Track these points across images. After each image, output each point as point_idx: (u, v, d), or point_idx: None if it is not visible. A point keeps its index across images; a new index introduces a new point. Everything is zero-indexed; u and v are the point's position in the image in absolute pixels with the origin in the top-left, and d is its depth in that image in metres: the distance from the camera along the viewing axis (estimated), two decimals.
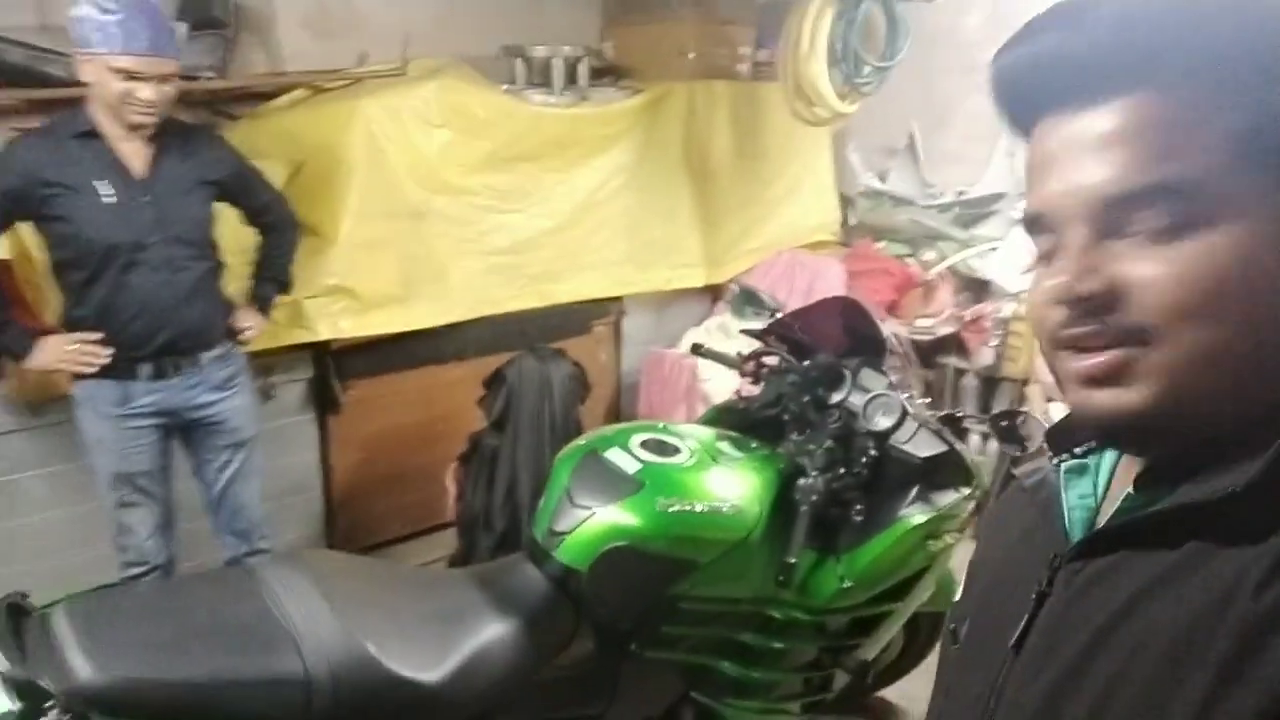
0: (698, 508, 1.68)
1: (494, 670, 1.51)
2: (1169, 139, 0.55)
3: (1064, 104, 0.59)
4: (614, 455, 1.76)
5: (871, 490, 1.98)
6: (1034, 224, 0.62)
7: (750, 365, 2.19)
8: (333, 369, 3.12)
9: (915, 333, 3.87)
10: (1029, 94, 0.62)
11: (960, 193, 4.21)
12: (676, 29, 3.80)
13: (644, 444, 1.80)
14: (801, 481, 1.85)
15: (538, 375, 3.01)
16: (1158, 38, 0.56)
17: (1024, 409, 2.06)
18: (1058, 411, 3.52)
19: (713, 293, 4.14)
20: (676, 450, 1.80)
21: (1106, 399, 0.58)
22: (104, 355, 2.24)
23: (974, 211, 4.18)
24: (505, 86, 3.39)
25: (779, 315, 2.25)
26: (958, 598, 0.79)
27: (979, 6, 4.02)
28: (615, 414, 3.85)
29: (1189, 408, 0.57)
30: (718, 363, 2.30)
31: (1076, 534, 0.65)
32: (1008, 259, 3.95)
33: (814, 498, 1.81)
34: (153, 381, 2.33)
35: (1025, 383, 3.75)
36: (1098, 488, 0.67)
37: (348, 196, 2.97)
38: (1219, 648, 0.51)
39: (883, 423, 2.01)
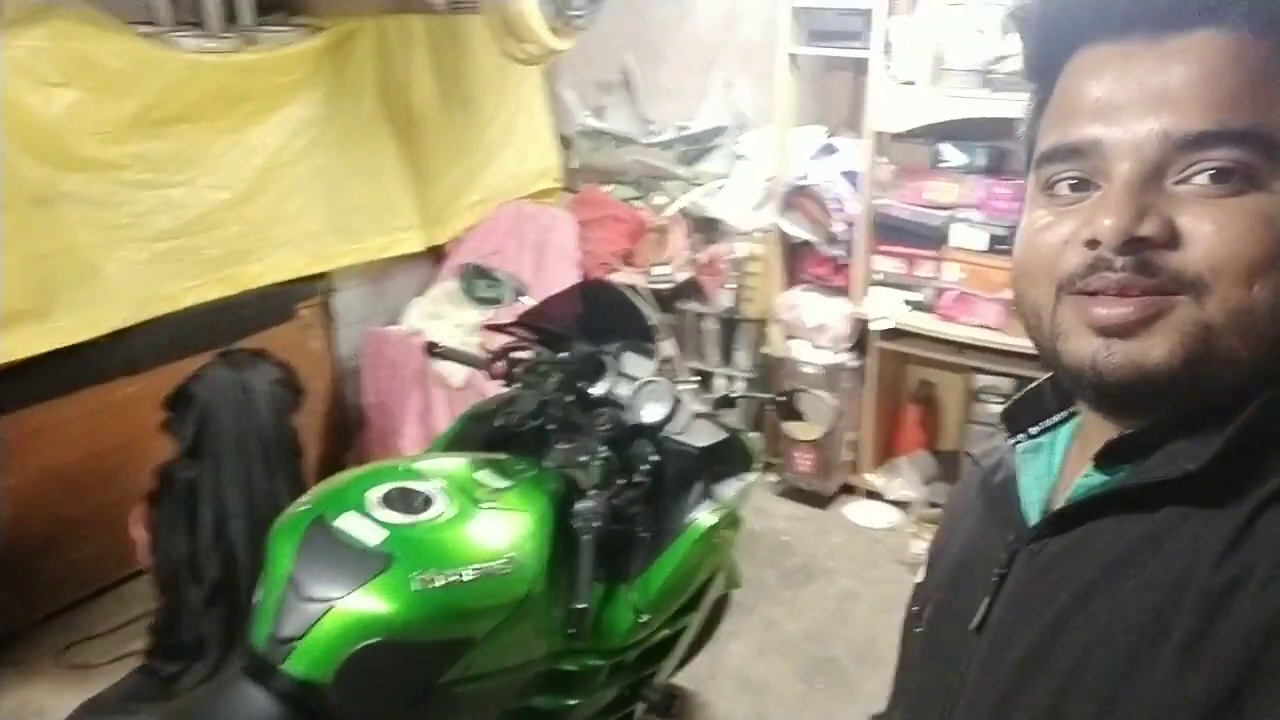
0: (465, 576, 1.35)
1: None
2: (1247, 85, 0.54)
3: (1127, 32, 0.57)
4: (348, 523, 1.37)
5: (653, 495, 1.76)
6: (1069, 155, 0.58)
7: (500, 366, 1.86)
8: None
9: (653, 281, 3.70)
10: (1083, 16, 0.59)
11: (681, 128, 4.05)
12: None
13: (385, 499, 1.42)
14: (579, 506, 1.58)
15: (233, 386, 2.50)
16: None
17: (800, 387, 1.91)
18: (798, 349, 3.52)
19: (435, 256, 3.71)
20: (428, 501, 1.44)
21: (1129, 351, 0.55)
22: None
23: (696, 148, 4.04)
24: (144, 28, 2.71)
25: (523, 298, 1.92)
26: (920, 580, 0.78)
27: None
28: (337, 411, 3.36)
29: (1207, 368, 0.54)
30: (460, 364, 1.95)
31: (1033, 515, 0.64)
32: (735, 196, 3.86)
33: (596, 524, 1.56)
34: None
35: (764, 322, 3.71)
36: (1053, 467, 0.67)
37: None
38: (1183, 624, 0.50)
39: (655, 413, 1.79)
